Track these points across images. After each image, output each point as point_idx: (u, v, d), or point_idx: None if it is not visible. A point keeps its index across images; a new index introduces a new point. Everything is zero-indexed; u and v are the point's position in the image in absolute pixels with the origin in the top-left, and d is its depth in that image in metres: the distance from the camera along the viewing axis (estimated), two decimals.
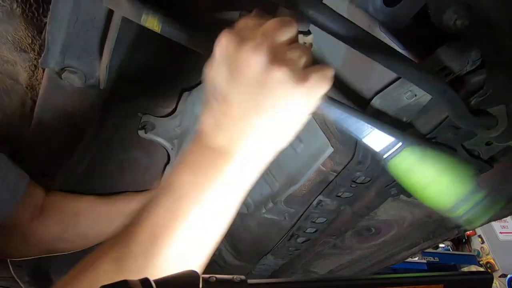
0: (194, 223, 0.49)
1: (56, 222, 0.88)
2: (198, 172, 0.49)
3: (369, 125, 0.58)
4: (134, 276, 0.41)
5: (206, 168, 0.49)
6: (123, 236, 0.49)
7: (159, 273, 0.38)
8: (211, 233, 0.52)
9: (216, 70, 0.48)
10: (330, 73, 0.49)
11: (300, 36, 0.52)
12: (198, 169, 0.50)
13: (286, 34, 0.47)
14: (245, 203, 1.08)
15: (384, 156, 0.61)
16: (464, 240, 3.75)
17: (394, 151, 0.60)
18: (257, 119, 0.48)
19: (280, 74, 0.45)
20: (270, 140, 0.50)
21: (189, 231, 0.48)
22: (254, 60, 0.45)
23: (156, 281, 0.34)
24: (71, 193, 0.95)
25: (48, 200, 0.89)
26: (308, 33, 0.54)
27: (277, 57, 0.45)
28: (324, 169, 0.92)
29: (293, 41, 0.49)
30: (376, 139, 0.60)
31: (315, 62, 0.50)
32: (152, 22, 0.55)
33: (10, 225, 0.78)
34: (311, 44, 0.56)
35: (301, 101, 0.48)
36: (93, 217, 0.93)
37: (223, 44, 0.47)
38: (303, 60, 0.48)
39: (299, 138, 0.94)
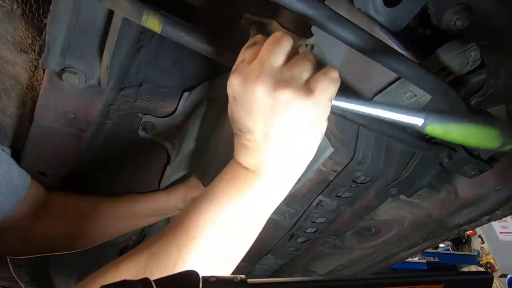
0: (224, 229, 0.54)
1: (59, 221, 0.88)
2: (231, 185, 0.55)
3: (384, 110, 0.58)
4: (163, 272, 0.49)
5: (239, 181, 0.55)
6: (163, 234, 0.54)
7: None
8: (239, 243, 0.56)
9: (233, 108, 0.53)
10: (335, 74, 0.51)
11: (302, 38, 0.53)
12: (231, 182, 0.56)
13: (281, 54, 0.49)
14: None
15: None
16: (464, 240, 3.75)
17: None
18: (281, 140, 0.52)
19: (285, 96, 0.48)
20: (295, 157, 0.55)
21: (219, 236, 0.53)
22: (258, 92, 0.48)
23: (156, 281, 0.34)
24: (73, 193, 0.95)
25: (50, 199, 0.89)
26: (309, 35, 0.54)
27: (279, 80, 0.48)
28: (324, 169, 0.92)
29: (293, 53, 0.50)
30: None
31: (319, 65, 0.51)
32: (152, 23, 0.55)
33: (12, 223, 0.78)
34: (312, 46, 0.56)
35: (314, 112, 0.50)
36: (97, 218, 0.94)
37: (231, 85, 0.51)
38: (305, 74, 0.50)
39: None
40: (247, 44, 0.54)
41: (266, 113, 0.50)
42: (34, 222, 0.84)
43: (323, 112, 0.51)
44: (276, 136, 0.51)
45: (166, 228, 0.56)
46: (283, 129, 0.51)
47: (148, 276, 0.35)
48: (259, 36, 0.53)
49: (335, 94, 0.51)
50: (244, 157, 0.55)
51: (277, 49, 0.49)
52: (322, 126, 0.53)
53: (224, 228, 0.54)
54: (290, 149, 0.53)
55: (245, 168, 0.55)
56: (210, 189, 0.57)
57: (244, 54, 0.53)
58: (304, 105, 0.49)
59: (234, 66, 0.53)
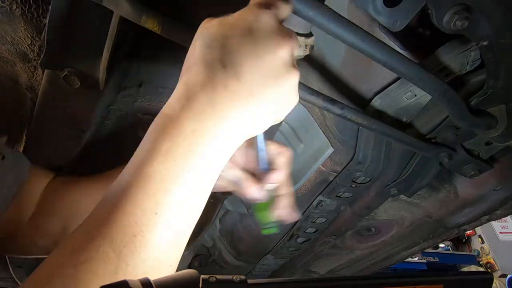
0: (169, 214, 0.44)
1: (55, 216, 0.80)
2: (170, 157, 0.43)
3: None
4: (102, 280, 0.39)
5: (184, 155, 0.43)
6: (87, 236, 0.42)
7: (136, 275, 0.36)
8: (187, 224, 0.47)
9: (239, 36, 0.43)
10: None
11: (302, 38, 0.53)
12: (171, 159, 0.43)
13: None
14: (245, 203, 1.08)
15: None
16: (464, 240, 3.75)
17: None
18: (258, 103, 0.45)
19: (295, 79, 0.46)
20: (260, 123, 0.48)
21: (164, 225, 0.43)
22: (285, 54, 0.44)
23: (156, 281, 0.34)
24: (76, 179, 0.83)
25: (53, 192, 0.81)
26: (309, 35, 0.54)
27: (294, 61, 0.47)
28: (324, 169, 0.92)
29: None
30: None
31: (319, 65, 0.51)
32: (152, 23, 0.55)
33: (7, 221, 0.74)
34: (312, 46, 0.56)
35: (293, 101, 0.49)
36: (94, 201, 0.85)
37: (264, 18, 0.43)
38: (296, 48, 0.48)
39: (299, 138, 0.94)
40: None
41: (274, 73, 0.44)
42: (31, 220, 0.79)
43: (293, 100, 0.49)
44: (259, 99, 0.45)
45: (86, 228, 0.44)
46: (270, 96, 0.45)
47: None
48: None
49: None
50: (203, 105, 0.43)
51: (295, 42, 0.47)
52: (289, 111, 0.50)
53: (169, 214, 0.43)
54: (260, 117, 0.47)
55: (192, 130, 0.43)
56: (142, 167, 0.43)
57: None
58: (296, 86, 0.47)
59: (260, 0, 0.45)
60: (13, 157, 0.73)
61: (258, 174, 0.62)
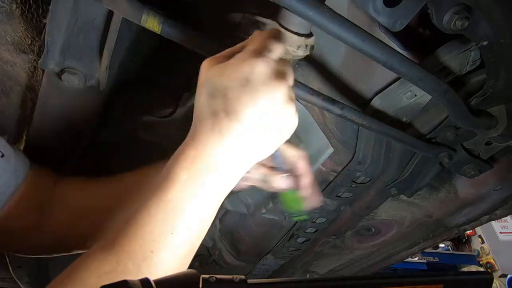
0: (183, 237, 0.51)
1: (66, 216, 0.80)
2: (187, 191, 0.51)
3: None
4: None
5: (196, 186, 0.51)
6: (112, 249, 0.48)
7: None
8: (197, 239, 0.54)
9: (238, 87, 0.48)
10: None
11: (302, 38, 0.53)
12: (187, 187, 0.51)
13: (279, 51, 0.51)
14: (245, 203, 1.08)
15: None
16: (464, 240, 3.75)
17: None
18: (259, 141, 0.52)
19: (292, 109, 0.51)
20: (260, 156, 0.54)
21: (179, 242, 0.51)
22: (281, 95, 0.49)
23: (156, 281, 0.34)
24: (80, 179, 0.84)
25: (55, 191, 0.81)
26: (309, 35, 0.54)
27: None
28: (324, 169, 0.92)
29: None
30: None
31: (319, 65, 0.53)
32: (152, 23, 0.55)
33: (11, 221, 0.73)
34: (312, 46, 0.56)
35: (293, 126, 0.54)
36: (100, 204, 0.82)
37: (258, 68, 0.48)
38: (292, 78, 0.52)
39: (299, 138, 0.94)
40: (262, 42, 0.51)
41: (270, 116, 0.49)
42: (41, 218, 0.78)
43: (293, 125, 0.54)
44: (259, 138, 0.51)
45: (112, 240, 0.50)
46: (269, 134, 0.52)
47: None
48: (277, 31, 0.53)
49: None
50: (211, 147, 0.50)
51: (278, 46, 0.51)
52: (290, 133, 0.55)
53: (183, 236, 0.51)
54: (260, 152, 0.53)
55: (205, 163, 0.51)
56: (162, 194, 0.51)
57: (270, 43, 0.50)
58: (291, 109, 0.51)
59: (260, 47, 0.50)
60: (14, 156, 0.73)
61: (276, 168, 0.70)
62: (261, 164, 0.69)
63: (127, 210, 0.53)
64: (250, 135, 0.50)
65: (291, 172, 0.69)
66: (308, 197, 0.71)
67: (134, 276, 0.44)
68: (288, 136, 0.54)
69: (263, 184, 0.71)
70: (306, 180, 0.69)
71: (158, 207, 0.50)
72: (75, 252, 0.83)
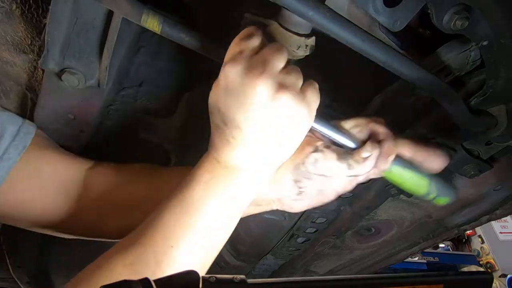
0: (203, 235, 0.54)
1: (94, 206, 0.75)
2: (209, 188, 0.54)
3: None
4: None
5: (218, 184, 0.55)
6: (137, 242, 0.52)
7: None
8: (217, 242, 0.57)
9: (221, 99, 0.52)
10: (317, 85, 0.55)
11: (302, 38, 0.53)
12: (209, 185, 0.55)
13: (283, 59, 0.51)
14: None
15: None
16: (464, 240, 3.74)
17: None
18: (267, 140, 0.53)
19: (285, 99, 0.50)
20: (277, 155, 0.56)
21: (198, 242, 0.53)
22: (262, 88, 0.49)
23: (156, 281, 0.34)
24: (111, 166, 0.80)
25: (87, 176, 0.77)
26: (309, 35, 0.54)
27: (279, 82, 0.50)
28: None
29: (287, 64, 0.52)
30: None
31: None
32: (152, 23, 0.55)
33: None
34: (312, 46, 0.56)
35: (304, 119, 0.53)
36: (134, 195, 0.76)
37: (227, 74, 0.50)
38: (299, 82, 0.52)
39: None
40: (241, 35, 0.53)
41: (263, 111, 0.50)
42: (72, 203, 0.73)
43: (309, 120, 0.54)
44: (264, 136, 0.52)
45: (139, 233, 0.54)
46: (273, 130, 0.52)
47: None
48: (252, 28, 0.53)
49: (319, 102, 0.55)
50: (225, 155, 0.55)
51: (280, 54, 0.51)
52: (304, 133, 0.55)
53: (203, 234, 0.54)
54: (274, 150, 0.54)
55: (224, 167, 0.55)
56: (186, 192, 0.55)
57: (240, 46, 0.51)
58: (298, 111, 0.51)
59: (230, 56, 0.52)
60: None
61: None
62: (328, 153, 0.62)
63: (153, 208, 0.56)
64: (253, 137, 0.52)
65: (371, 146, 0.60)
66: (422, 160, 0.63)
67: (152, 269, 0.49)
68: (304, 128, 0.54)
69: (354, 180, 0.65)
70: (390, 142, 0.61)
71: (181, 204, 0.54)
72: (104, 240, 0.78)
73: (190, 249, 0.53)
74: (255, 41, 0.51)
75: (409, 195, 0.81)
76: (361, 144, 0.61)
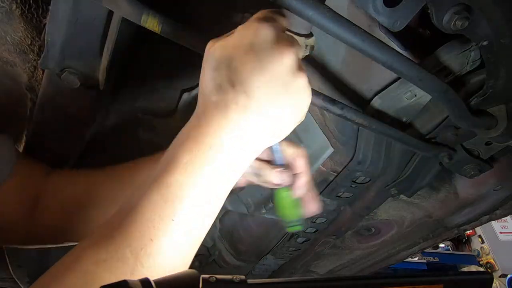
0: (185, 221, 0.47)
1: (58, 208, 0.77)
2: (190, 170, 0.47)
3: None
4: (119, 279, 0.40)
5: (200, 167, 0.47)
6: (109, 236, 0.46)
7: (151, 275, 0.37)
8: (202, 230, 0.51)
9: (242, 55, 0.45)
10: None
11: (302, 39, 0.53)
12: (190, 167, 0.47)
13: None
14: (245, 203, 1.08)
15: None
16: (464, 240, 3.75)
17: None
18: (271, 116, 0.48)
19: (303, 80, 0.48)
20: (272, 137, 0.51)
21: (180, 230, 0.47)
22: (289, 60, 0.46)
23: (156, 281, 0.34)
24: (72, 171, 0.82)
25: (47, 183, 0.79)
26: (310, 35, 0.54)
27: (300, 65, 0.48)
28: (324, 169, 0.92)
29: None
30: None
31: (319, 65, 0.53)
32: (152, 23, 0.55)
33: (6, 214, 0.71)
34: (312, 46, 0.56)
35: (306, 107, 0.51)
36: (98, 196, 0.78)
37: (261, 32, 0.45)
38: (300, 51, 0.51)
39: (299, 138, 0.94)
40: (266, 13, 0.49)
41: (278, 82, 0.46)
42: (31, 211, 0.75)
43: (305, 111, 0.52)
44: (270, 111, 0.47)
45: (108, 227, 0.47)
46: (279, 107, 0.48)
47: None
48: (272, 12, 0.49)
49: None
50: (219, 125, 0.47)
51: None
52: (297, 123, 0.52)
53: (185, 221, 0.47)
54: (272, 130, 0.49)
55: (211, 143, 0.47)
56: (163, 176, 0.47)
57: (274, 15, 0.48)
58: (307, 98, 0.50)
59: (263, 16, 0.47)
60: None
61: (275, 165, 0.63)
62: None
63: (125, 198, 0.50)
64: (259, 109, 0.46)
65: (289, 169, 0.63)
66: (306, 200, 0.65)
67: (131, 264, 0.44)
68: (302, 113, 0.50)
69: (255, 178, 0.64)
70: (304, 179, 0.63)
71: (158, 192, 0.46)
72: (70, 244, 0.81)
73: (171, 240, 0.46)
74: (285, 21, 0.49)
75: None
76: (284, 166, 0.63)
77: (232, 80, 0.45)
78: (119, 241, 0.45)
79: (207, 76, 0.48)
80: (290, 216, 0.66)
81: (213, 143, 0.47)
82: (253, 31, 0.46)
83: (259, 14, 0.48)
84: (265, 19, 0.47)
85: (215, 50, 0.47)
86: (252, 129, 0.48)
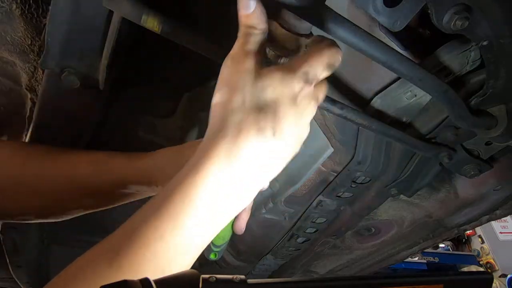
0: (188, 236, 0.46)
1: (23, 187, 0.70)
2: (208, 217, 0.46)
3: None
4: (133, 276, 0.38)
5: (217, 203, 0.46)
6: (115, 261, 0.44)
7: (157, 273, 0.37)
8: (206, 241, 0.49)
9: (289, 108, 0.47)
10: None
11: (302, 39, 0.53)
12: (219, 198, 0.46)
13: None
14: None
15: None
16: (464, 240, 3.75)
17: None
18: (291, 138, 0.49)
19: (313, 108, 0.52)
20: (276, 166, 0.50)
21: (182, 240, 0.46)
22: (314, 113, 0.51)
23: (156, 281, 0.34)
24: (15, 143, 0.78)
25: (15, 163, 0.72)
26: (309, 35, 0.54)
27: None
28: (324, 169, 0.92)
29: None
30: None
31: None
32: (152, 23, 0.55)
33: None
34: None
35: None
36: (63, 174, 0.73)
37: (307, 92, 0.49)
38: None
39: None
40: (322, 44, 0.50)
41: (303, 130, 0.51)
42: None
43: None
44: (292, 136, 0.49)
45: (121, 236, 0.46)
46: (298, 129, 0.50)
47: None
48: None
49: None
50: (246, 147, 0.45)
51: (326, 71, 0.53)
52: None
53: (199, 241, 0.47)
54: (287, 154, 0.50)
55: (235, 166, 0.45)
56: (177, 214, 0.45)
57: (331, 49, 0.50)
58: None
59: (306, 69, 0.49)
60: None
61: None
62: None
63: (135, 214, 0.48)
64: (288, 154, 0.50)
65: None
66: (238, 217, 0.64)
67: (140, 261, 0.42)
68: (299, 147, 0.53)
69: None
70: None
71: (172, 234, 0.44)
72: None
73: (183, 264, 0.46)
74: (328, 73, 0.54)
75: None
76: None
77: (274, 128, 0.46)
78: (126, 271, 0.43)
79: (249, 109, 0.46)
80: (218, 242, 0.65)
81: (239, 164, 0.46)
82: (300, 87, 0.48)
83: (308, 63, 0.49)
84: (312, 81, 0.49)
85: (266, 86, 0.47)
86: (266, 169, 0.49)
